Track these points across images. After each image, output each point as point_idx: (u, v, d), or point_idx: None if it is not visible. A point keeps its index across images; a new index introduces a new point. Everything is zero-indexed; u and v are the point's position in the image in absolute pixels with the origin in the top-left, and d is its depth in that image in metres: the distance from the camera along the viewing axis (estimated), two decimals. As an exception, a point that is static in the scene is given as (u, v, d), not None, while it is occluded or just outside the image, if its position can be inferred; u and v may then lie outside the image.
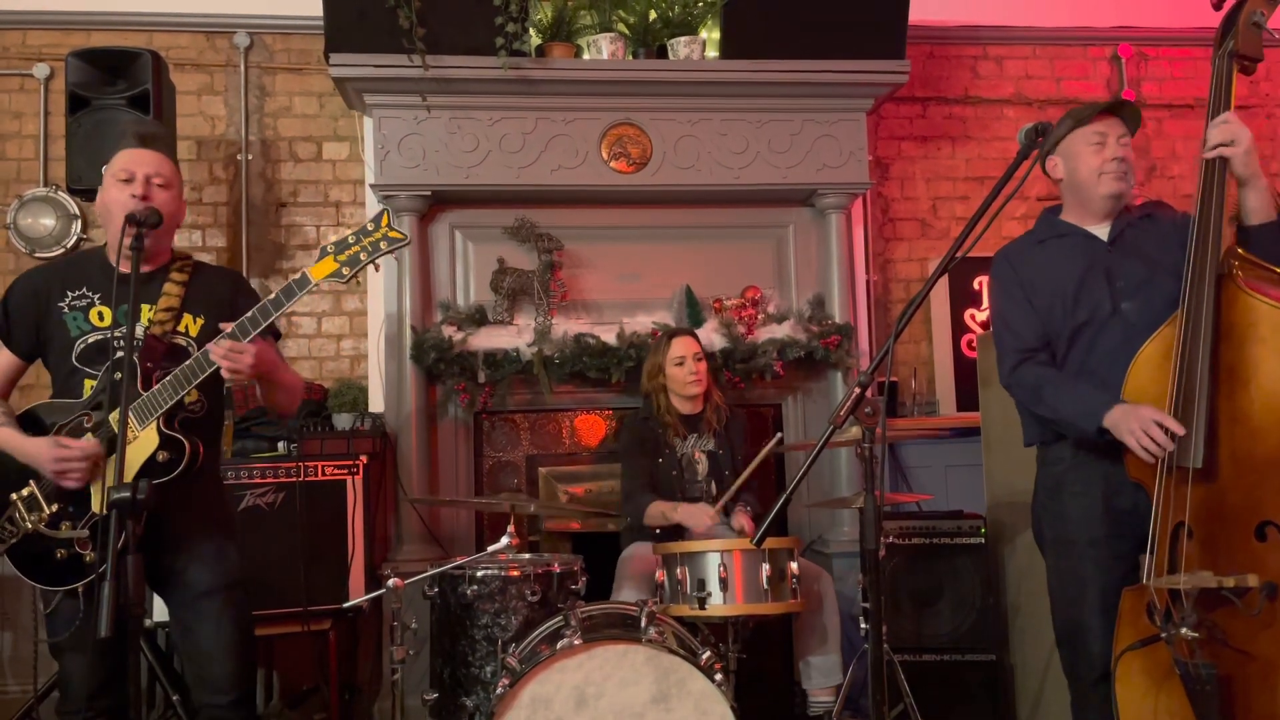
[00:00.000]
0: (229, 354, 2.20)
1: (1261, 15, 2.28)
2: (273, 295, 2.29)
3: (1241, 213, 2.28)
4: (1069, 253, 2.48)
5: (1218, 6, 2.34)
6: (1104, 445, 2.28)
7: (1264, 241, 2.24)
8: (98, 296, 2.36)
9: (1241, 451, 2.08)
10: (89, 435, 2.27)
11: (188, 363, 2.26)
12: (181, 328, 2.37)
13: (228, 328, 2.25)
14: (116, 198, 2.32)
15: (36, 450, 2.24)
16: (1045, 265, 2.50)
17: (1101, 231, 2.48)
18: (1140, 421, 2.13)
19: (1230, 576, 2.02)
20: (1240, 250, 2.21)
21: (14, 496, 2.30)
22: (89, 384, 2.31)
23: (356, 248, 2.32)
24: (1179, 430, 2.09)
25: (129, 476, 2.19)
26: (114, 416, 2.22)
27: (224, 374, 2.24)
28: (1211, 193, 2.21)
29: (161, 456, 2.24)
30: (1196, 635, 2.02)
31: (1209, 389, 2.09)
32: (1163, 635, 2.06)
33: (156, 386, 2.25)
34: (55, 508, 2.28)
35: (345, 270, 2.31)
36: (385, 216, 2.35)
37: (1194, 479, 2.09)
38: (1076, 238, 2.50)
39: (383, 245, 2.32)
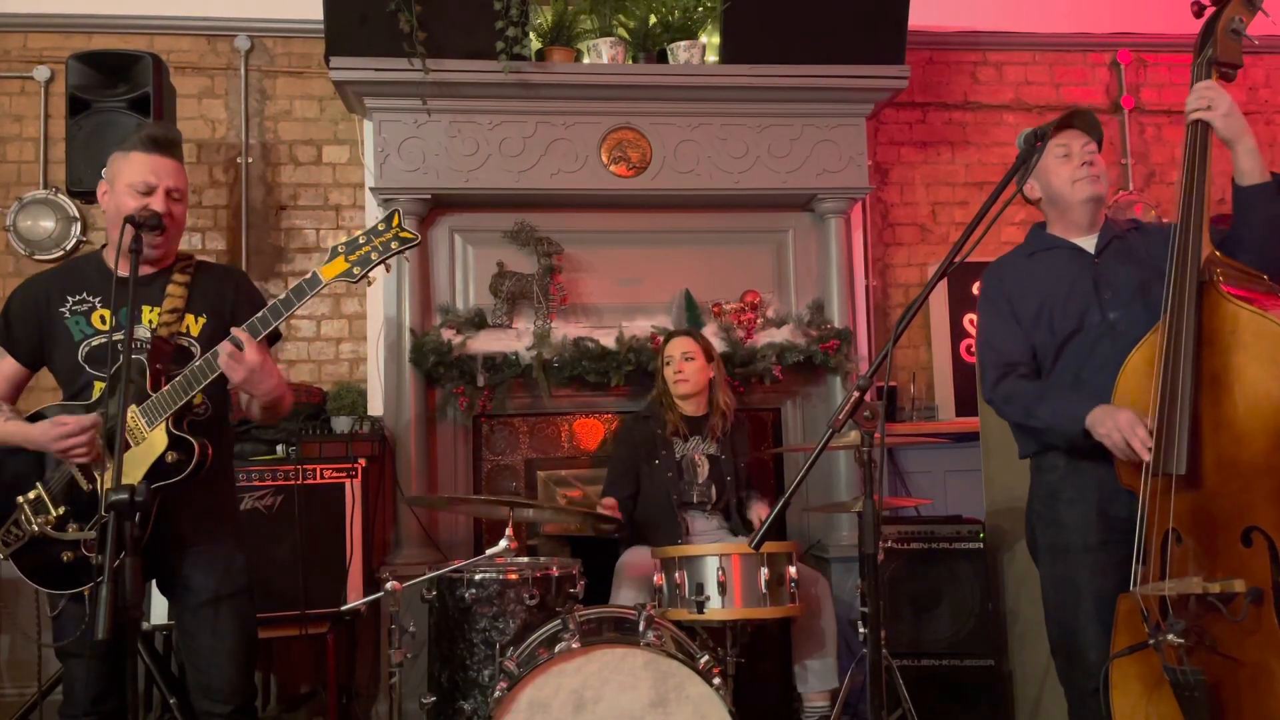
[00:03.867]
0: (229, 359, 2.20)
1: (1240, 22, 2.29)
2: (283, 295, 2.28)
3: (1235, 175, 2.28)
4: (1057, 264, 2.50)
5: (1198, 14, 2.34)
6: (1099, 452, 2.29)
7: (1258, 203, 2.25)
8: (98, 300, 2.35)
9: (1227, 458, 2.08)
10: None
11: (195, 363, 2.26)
12: (183, 328, 2.37)
13: (239, 332, 2.23)
14: (132, 207, 2.29)
15: (38, 433, 2.24)
16: (1033, 276, 2.52)
17: (1089, 244, 2.51)
18: (1116, 424, 2.16)
19: (1216, 582, 2.02)
20: (1221, 256, 2.21)
21: (20, 499, 2.30)
22: (99, 385, 2.31)
23: (367, 248, 2.30)
24: (1148, 443, 2.11)
25: (139, 477, 2.19)
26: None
27: (228, 374, 2.23)
28: (1191, 201, 2.21)
29: (170, 457, 2.24)
30: (1183, 642, 2.02)
31: (1191, 396, 2.10)
32: (1151, 642, 2.07)
33: (165, 388, 2.24)
34: (62, 510, 2.28)
35: (356, 270, 2.29)
36: (396, 216, 2.33)
37: (1180, 485, 2.10)
38: (1064, 250, 2.52)
39: (394, 245, 2.30)
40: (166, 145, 2.37)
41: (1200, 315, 2.13)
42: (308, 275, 2.29)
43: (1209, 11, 2.33)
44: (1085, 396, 2.31)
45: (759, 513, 3.52)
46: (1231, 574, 2.02)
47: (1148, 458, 2.11)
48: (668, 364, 3.62)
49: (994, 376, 2.50)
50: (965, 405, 4.45)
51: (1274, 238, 2.26)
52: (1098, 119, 2.57)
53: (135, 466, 2.20)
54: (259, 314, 2.26)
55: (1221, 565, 2.06)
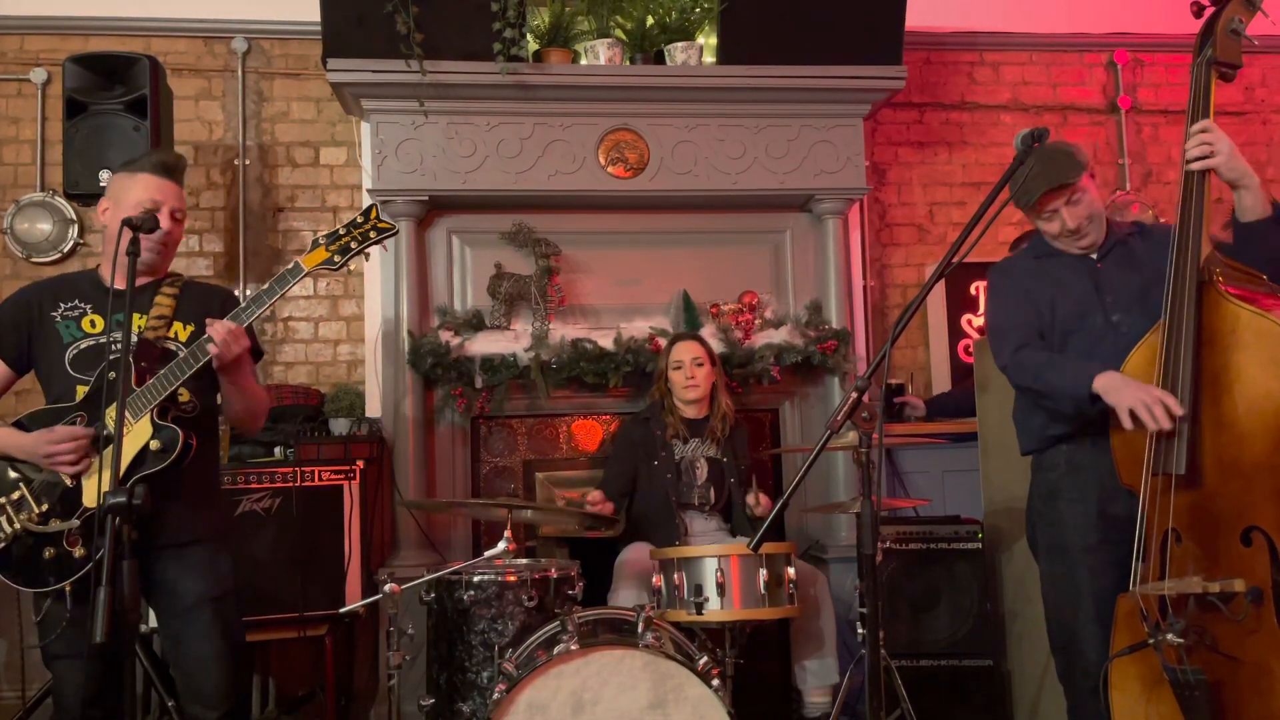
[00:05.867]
0: (226, 338, 2.27)
1: (1240, 22, 2.29)
2: (266, 285, 2.37)
3: (1236, 211, 2.28)
4: (1060, 268, 2.52)
5: (1198, 14, 2.35)
6: (1100, 450, 2.29)
7: (1261, 237, 2.25)
8: (90, 306, 2.42)
9: (1227, 457, 2.09)
10: None
11: (181, 355, 2.30)
12: (171, 334, 2.42)
13: (214, 324, 2.30)
14: None
15: (30, 442, 2.28)
16: (1039, 277, 2.54)
17: (1091, 250, 2.53)
18: (1144, 395, 2.11)
19: (1216, 582, 2.02)
20: (1221, 256, 2.22)
21: (2, 500, 2.31)
22: (81, 390, 2.34)
23: (347, 238, 2.44)
24: (1178, 411, 2.07)
25: (123, 468, 2.19)
26: (109, 413, 2.24)
27: (212, 352, 2.28)
28: (1190, 202, 2.21)
29: (154, 445, 2.27)
30: (1183, 641, 2.02)
31: (1191, 396, 2.10)
32: (1151, 641, 2.07)
33: (150, 381, 2.29)
34: (45, 506, 2.30)
35: (336, 258, 2.43)
36: (374, 210, 2.48)
37: (1180, 485, 2.10)
38: (1067, 256, 2.54)
39: (372, 235, 2.45)
40: (173, 170, 2.49)
41: (1200, 315, 2.13)
42: (290, 265, 2.41)
43: (1209, 11, 2.33)
44: (1093, 363, 2.30)
45: (757, 499, 3.49)
46: (1231, 573, 2.03)
47: (1168, 425, 2.07)
48: (677, 369, 3.60)
49: (1014, 343, 2.48)
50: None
51: (1275, 270, 2.26)
52: (1067, 154, 2.44)
53: (120, 458, 2.21)
54: (244, 302, 2.34)
55: (1221, 565, 2.06)
